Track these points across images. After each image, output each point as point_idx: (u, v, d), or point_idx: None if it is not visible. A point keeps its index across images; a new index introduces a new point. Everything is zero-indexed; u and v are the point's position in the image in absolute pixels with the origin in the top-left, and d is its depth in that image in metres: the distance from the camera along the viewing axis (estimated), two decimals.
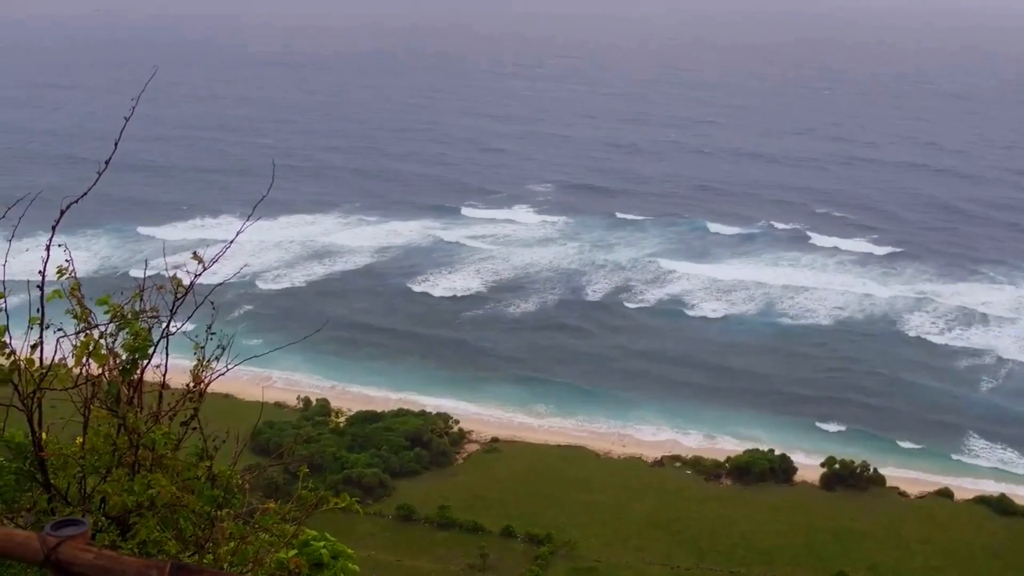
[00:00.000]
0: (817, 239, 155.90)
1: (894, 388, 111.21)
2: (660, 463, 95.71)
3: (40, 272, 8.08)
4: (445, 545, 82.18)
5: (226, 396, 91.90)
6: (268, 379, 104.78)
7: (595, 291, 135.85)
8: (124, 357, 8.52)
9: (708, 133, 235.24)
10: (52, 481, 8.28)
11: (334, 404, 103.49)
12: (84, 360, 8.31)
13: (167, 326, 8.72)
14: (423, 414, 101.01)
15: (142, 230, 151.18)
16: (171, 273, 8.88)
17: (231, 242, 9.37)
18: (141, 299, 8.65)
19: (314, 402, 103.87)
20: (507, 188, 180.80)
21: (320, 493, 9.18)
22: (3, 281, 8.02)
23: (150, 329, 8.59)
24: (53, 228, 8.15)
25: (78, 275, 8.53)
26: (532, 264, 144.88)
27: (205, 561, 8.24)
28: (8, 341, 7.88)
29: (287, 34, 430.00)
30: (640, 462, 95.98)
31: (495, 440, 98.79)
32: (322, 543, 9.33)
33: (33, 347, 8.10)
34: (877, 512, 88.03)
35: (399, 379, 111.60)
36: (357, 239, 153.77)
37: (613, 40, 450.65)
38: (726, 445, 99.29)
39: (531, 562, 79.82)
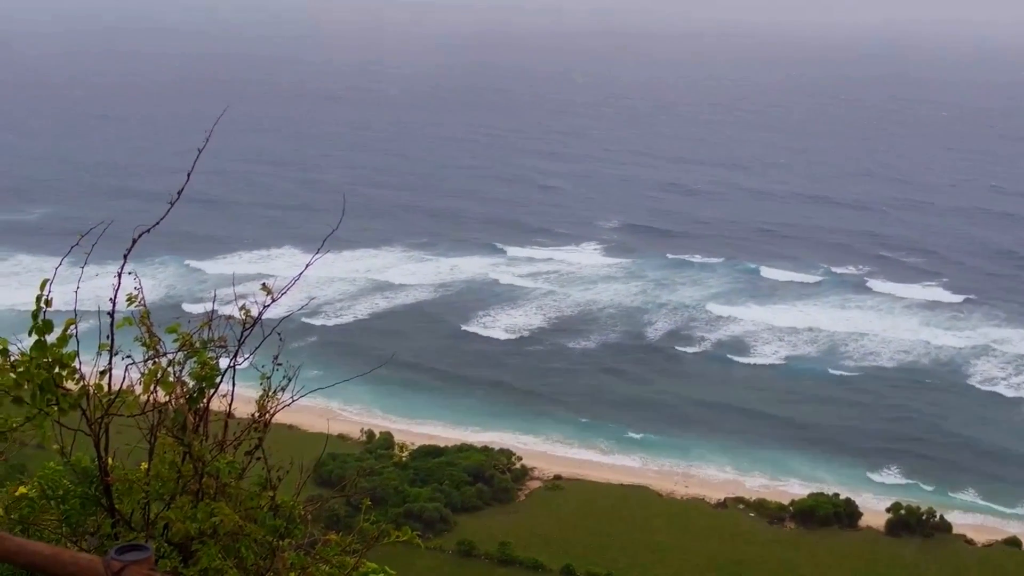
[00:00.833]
0: (879, 284, 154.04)
1: (960, 436, 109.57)
2: (723, 505, 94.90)
3: (111, 299, 8.19)
4: None
5: (290, 427, 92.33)
6: (332, 411, 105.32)
7: (655, 331, 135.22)
8: (191, 385, 8.60)
9: (768, 175, 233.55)
10: (117, 506, 8.35)
11: (397, 438, 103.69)
12: (152, 387, 8.40)
13: (235, 356, 8.79)
14: (486, 450, 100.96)
15: (195, 263, 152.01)
16: (239, 304, 8.97)
17: (300, 274, 9.44)
18: (209, 328, 8.74)
19: (377, 435, 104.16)
20: (566, 227, 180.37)
21: (381, 526, 9.20)
22: (75, 308, 8.12)
23: (217, 359, 8.67)
24: (125, 256, 8.26)
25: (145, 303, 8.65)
26: (592, 303, 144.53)
27: None
28: (78, 367, 7.97)
29: (347, 72, 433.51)
30: (703, 503, 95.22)
31: (558, 477, 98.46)
32: None
33: (102, 373, 8.20)
34: (942, 560, 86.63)
35: (462, 414, 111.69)
36: (417, 275, 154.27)
37: (670, 79, 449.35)
38: (790, 488, 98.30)
39: None
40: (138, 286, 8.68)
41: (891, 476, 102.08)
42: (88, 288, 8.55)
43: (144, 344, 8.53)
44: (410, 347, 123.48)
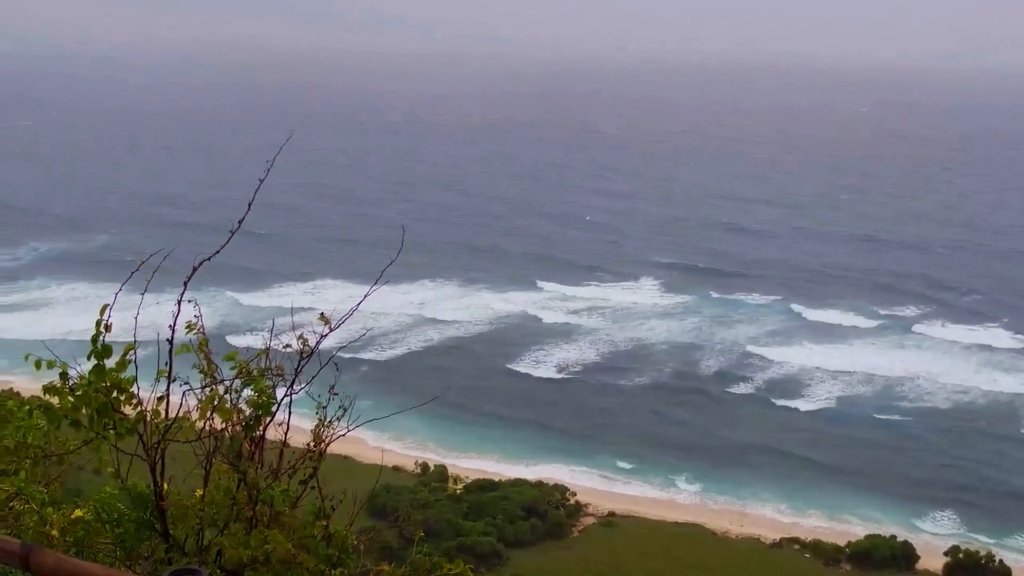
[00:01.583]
0: (936, 326, 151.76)
1: (1017, 483, 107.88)
2: (779, 544, 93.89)
3: (170, 326, 8.26)
4: None
5: (345, 457, 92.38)
6: (385, 442, 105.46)
7: (707, 370, 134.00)
8: (247, 413, 8.65)
9: (824, 215, 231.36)
10: (171, 531, 8.40)
11: (451, 471, 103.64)
12: (208, 414, 8.46)
13: (291, 385, 8.84)
14: (540, 485, 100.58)
15: (244, 295, 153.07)
16: (297, 333, 9.02)
17: (359, 303, 9.50)
18: (267, 357, 8.79)
19: (432, 467, 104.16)
20: (620, 265, 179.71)
21: (434, 559, 9.19)
22: (134, 333, 8.20)
23: (274, 387, 8.71)
24: (185, 284, 8.34)
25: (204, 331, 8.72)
26: (643, 341, 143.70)
27: None
28: (136, 392, 8.04)
29: (408, 103, 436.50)
30: (758, 543, 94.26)
31: (612, 514, 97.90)
32: None
33: (160, 399, 8.27)
34: None
35: (516, 448, 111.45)
36: (470, 309, 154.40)
37: (732, 117, 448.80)
38: (847, 527, 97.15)
39: None
40: (198, 314, 8.76)
41: (946, 520, 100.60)
42: (145, 315, 8.64)
43: (202, 371, 8.60)
44: (463, 381, 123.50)
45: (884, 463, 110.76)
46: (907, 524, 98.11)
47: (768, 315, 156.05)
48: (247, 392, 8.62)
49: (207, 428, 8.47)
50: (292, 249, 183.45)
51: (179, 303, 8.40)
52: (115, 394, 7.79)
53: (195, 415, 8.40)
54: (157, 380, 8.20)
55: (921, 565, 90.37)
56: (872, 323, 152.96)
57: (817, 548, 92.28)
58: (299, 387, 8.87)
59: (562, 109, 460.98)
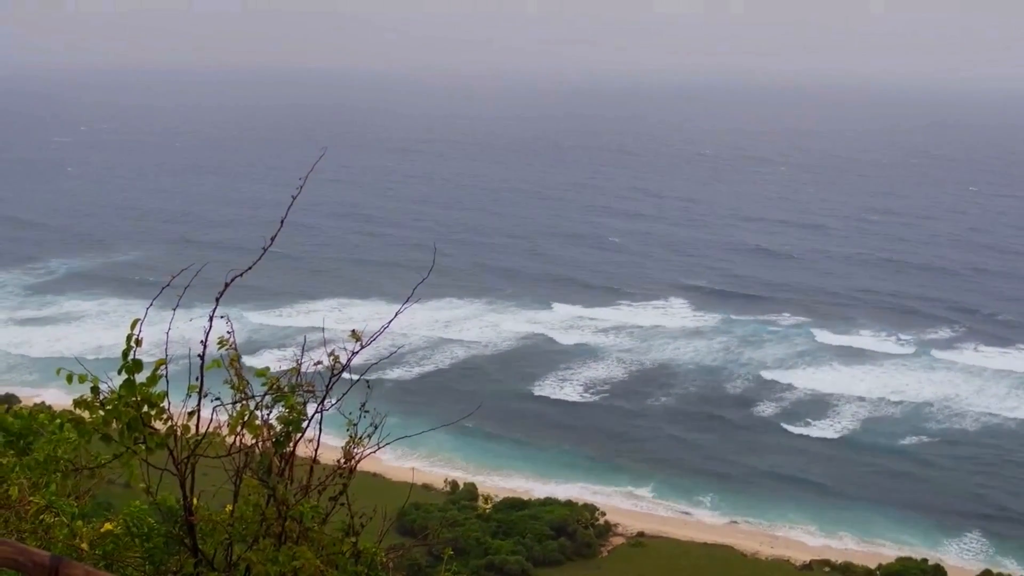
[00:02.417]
0: (968, 350, 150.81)
1: None
2: (809, 567, 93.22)
3: (201, 341, 8.28)
4: None
5: (375, 475, 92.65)
6: (415, 459, 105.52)
7: (735, 392, 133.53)
8: (278, 429, 8.66)
9: (856, 239, 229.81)
10: (200, 546, 8.41)
11: (480, 489, 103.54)
12: (239, 430, 8.47)
13: (322, 401, 8.85)
14: (569, 504, 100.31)
15: (269, 313, 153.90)
16: (328, 350, 9.03)
17: (391, 321, 9.48)
18: (298, 374, 8.81)
19: (461, 486, 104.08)
20: (646, 288, 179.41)
21: None
22: (165, 348, 8.22)
23: (305, 404, 8.72)
24: (217, 300, 8.37)
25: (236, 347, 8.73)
26: (670, 363, 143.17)
27: None
28: (167, 407, 8.06)
29: (433, 122, 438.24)
30: (788, 565, 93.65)
31: (641, 534, 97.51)
32: None
33: (190, 414, 8.29)
34: None
35: (546, 467, 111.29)
36: (498, 328, 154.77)
37: (772, 142, 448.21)
38: (878, 550, 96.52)
39: None
40: (230, 330, 8.80)
41: (977, 543, 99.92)
42: (176, 331, 8.67)
43: (232, 387, 8.62)
44: (492, 400, 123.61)
45: (913, 487, 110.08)
46: (938, 547, 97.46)
47: (794, 338, 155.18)
48: (278, 408, 8.64)
49: (237, 443, 8.49)
50: (323, 268, 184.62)
51: (211, 318, 8.43)
52: (145, 408, 7.81)
53: (225, 430, 8.42)
54: (188, 395, 8.23)
55: None
56: (899, 347, 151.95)
57: (848, 571, 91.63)
58: (330, 404, 8.89)
59: (601, 130, 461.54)
